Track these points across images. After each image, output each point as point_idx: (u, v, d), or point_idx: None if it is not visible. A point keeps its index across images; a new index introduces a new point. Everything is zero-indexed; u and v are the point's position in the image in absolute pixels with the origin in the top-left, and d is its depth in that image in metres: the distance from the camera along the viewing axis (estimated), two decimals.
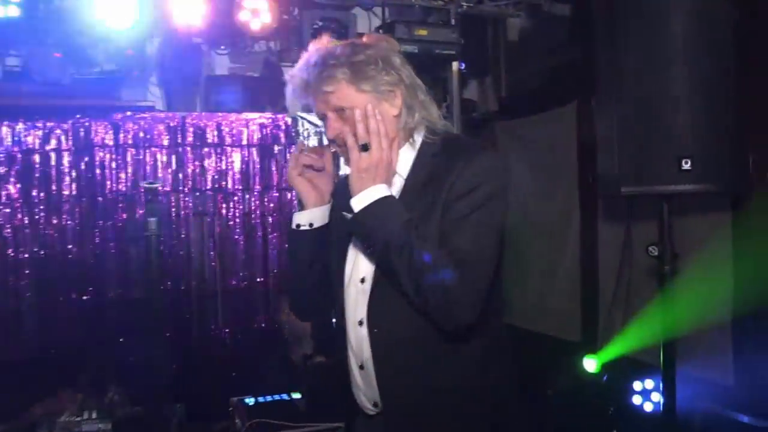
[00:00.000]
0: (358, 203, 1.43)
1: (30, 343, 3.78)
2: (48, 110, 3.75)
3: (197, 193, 4.16)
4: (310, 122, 4.26)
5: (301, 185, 1.62)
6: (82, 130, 3.94)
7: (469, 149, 1.52)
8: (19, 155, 3.81)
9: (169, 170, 4.09)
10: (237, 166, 4.24)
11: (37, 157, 3.85)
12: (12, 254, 3.78)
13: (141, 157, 4.05)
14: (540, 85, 4.01)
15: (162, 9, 3.41)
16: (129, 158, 4.03)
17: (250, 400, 3.15)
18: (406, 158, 1.56)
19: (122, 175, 4.01)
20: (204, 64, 4.23)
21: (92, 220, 3.95)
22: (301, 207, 1.64)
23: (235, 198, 4.24)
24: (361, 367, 1.55)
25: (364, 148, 1.44)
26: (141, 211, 3.98)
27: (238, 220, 4.25)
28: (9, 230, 3.79)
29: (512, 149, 4.09)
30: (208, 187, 4.18)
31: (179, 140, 4.10)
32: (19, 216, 3.80)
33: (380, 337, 1.50)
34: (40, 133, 3.85)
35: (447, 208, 1.43)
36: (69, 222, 3.90)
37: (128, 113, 3.98)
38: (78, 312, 3.87)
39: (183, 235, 4.13)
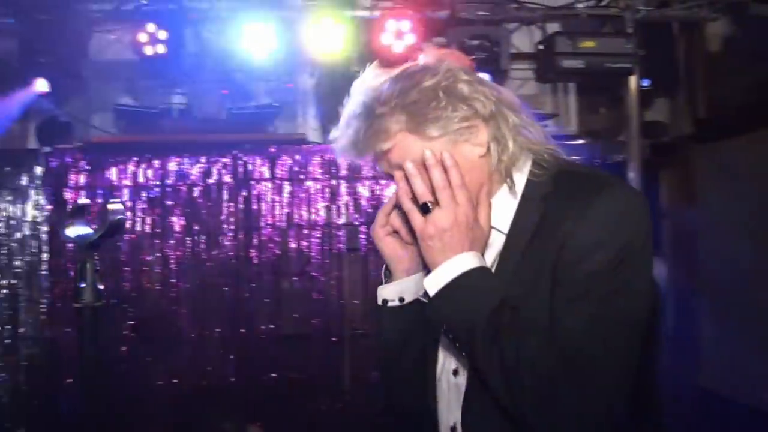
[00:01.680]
0: (431, 284, 1.11)
1: (186, 372, 3.86)
2: (208, 145, 3.87)
3: (351, 228, 4.02)
4: None
5: (389, 247, 1.28)
6: (240, 163, 3.99)
7: (586, 188, 1.13)
8: (183, 189, 3.94)
9: (324, 204, 4.01)
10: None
11: (197, 191, 3.95)
12: (175, 284, 3.89)
13: (296, 189, 4.01)
14: (747, 102, 3.38)
15: (310, 41, 3.36)
16: (285, 191, 4.01)
17: None
18: (505, 207, 1.20)
19: (277, 209, 4.00)
20: None
21: (248, 253, 3.97)
22: (388, 276, 1.30)
23: None
24: None
25: (425, 209, 1.11)
26: (294, 245, 3.93)
27: None
28: (173, 261, 3.91)
29: (712, 179, 3.47)
30: (363, 221, 4.03)
31: (334, 173, 4.01)
32: (182, 248, 3.91)
33: None
34: (201, 167, 3.95)
35: (559, 279, 1.08)
36: (226, 254, 3.95)
37: (283, 146, 3.98)
38: (231, 345, 3.89)
39: (335, 272, 4.01)
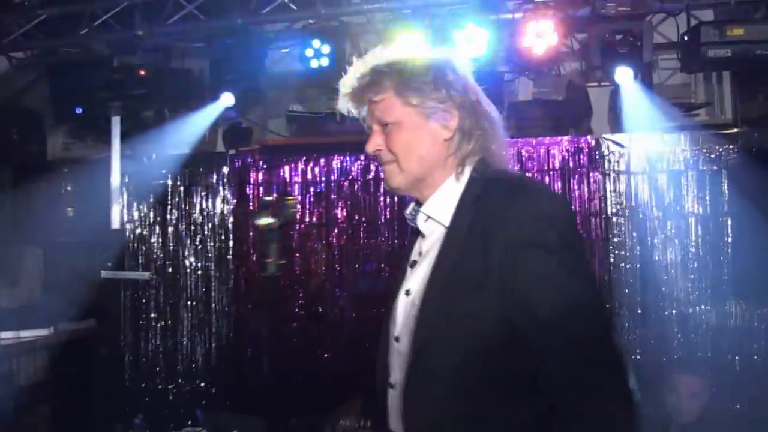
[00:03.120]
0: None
1: (347, 348, 4.31)
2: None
3: None
4: (615, 143, 4.03)
5: None
6: None
7: (514, 193, 1.31)
8: (345, 184, 4.40)
9: None
10: None
11: (358, 186, 4.39)
12: (338, 269, 4.36)
13: None
14: None
15: (457, 46, 3.64)
16: None
17: None
18: (449, 197, 1.39)
19: None
20: (507, 91, 4.34)
21: (404, 241, 4.33)
22: None
23: None
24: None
25: None
26: None
27: None
28: (336, 248, 4.39)
29: None
30: None
31: None
32: (344, 236, 4.38)
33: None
34: (361, 164, 4.39)
35: (510, 278, 1.23)
36: (384, 243, 4.34)
37: None
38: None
39: None
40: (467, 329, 1.27)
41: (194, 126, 4.22)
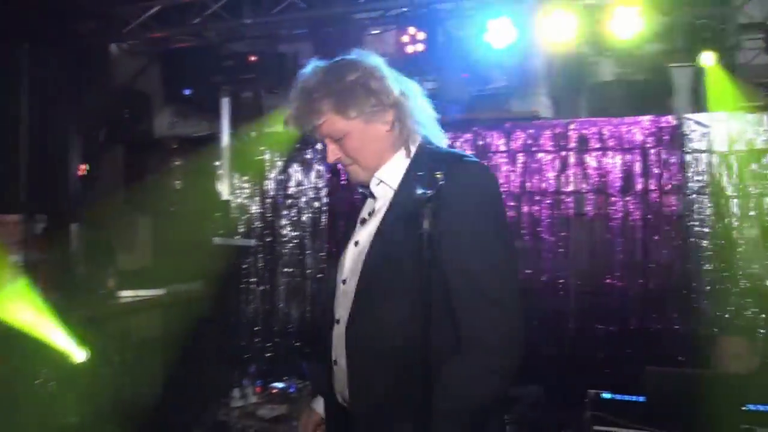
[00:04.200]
0: None
1: None
2: (453, 123, 4.57)
3: (578, 195, 4.47)
4: (697, 122, 4.18)
5: None
6: (479, 138, 4.64)
7: (455, 162, 1.57)
8: None
9: (554, 173, 4.50)
10: (618, 169, 4.41)
11: None
12: None
13: (529, 160, 4.55)
14: None
15: (543, 30, 3.86)
16: (519, 162, 4.57)
17: (606, 395, 3.34)
18: (398, 167, 1.65)
19: (512, 177, 4.58)
20: (590, 71, 4.51)
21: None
22: None
23: (615, 200, 4.42)
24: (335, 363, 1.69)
25: None
26: (526, 210, 4.50)
27: (617, 221, 4.42)
28: None
29: None
30: (589, 189, 4.45)
31: (563, 145, 4.47)
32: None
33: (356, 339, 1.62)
34: (447, 142, 4.66)
35: (441, 235, 1.43)
36: None
37: (517, 122, 4.54)
38: None
39: (563, 234, 4.49)
40: (402, 271, 1.52)
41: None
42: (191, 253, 4.87)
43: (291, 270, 5.23)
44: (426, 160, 1.61)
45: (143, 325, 4.87)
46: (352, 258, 1.68)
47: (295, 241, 5.23)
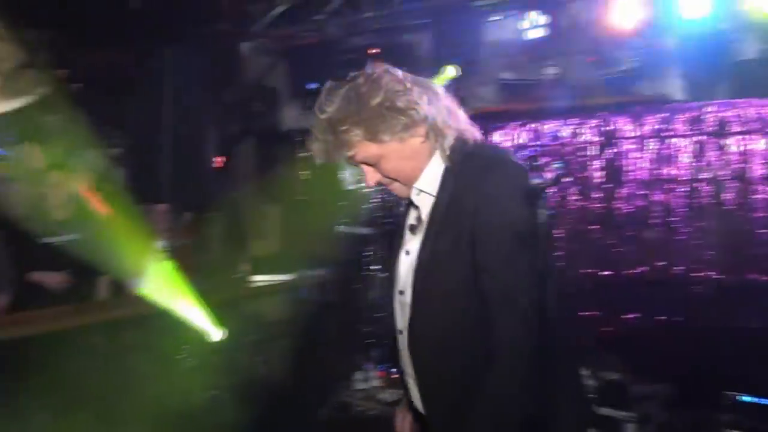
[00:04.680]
0: None
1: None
2: (578, 109, 4.44)
3: (716, 183, 4.22)
4: None
5: None
6: (606, 123, 4.48)
7: (489, 163, 1.55)
8: (555, 148, 4.59)
9: (688, 159, 4.26)
10: (762, 154, 4.10)
11: (569, 150, 4.56)
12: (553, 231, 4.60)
13: (660, 146, 4.33)
14: None
15: (676, 7, 3.65)
16: (649, 148, 4.36)
17: (745, 398, 3.14)
18: (435, 172, 1.61)
19: (641, 164, 4.38)
20: (730, 50, 4.22)
21: (614, 204, 4.45)
22: None
23: (758, 187, 4.12)
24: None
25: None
26: (658, 198, 4.29)
27: (760, 211, 4.12)
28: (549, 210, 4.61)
29: None
30: (729, 176, 4.18)
31: (699, 129, 4.23)
32: (556, 199, 4.59)
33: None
34: (572, 128, 4.55)
35: (477, 240, 1.51)
36: (595, 205, 4.49)
37: (647, 106, 4.33)
38: (598, 284, 4.44)
39: (699, 224, 4.25)
40: (450, 277, 1.55)
41: None
42: (317, 241, 5.09)
43: None
44: (459, 162, 1.58)
45: (273, 308, 5.15)
46: (405, 268, 1.67)
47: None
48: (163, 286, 3.75)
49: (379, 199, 5.42)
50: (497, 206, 1.50)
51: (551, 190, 4.57)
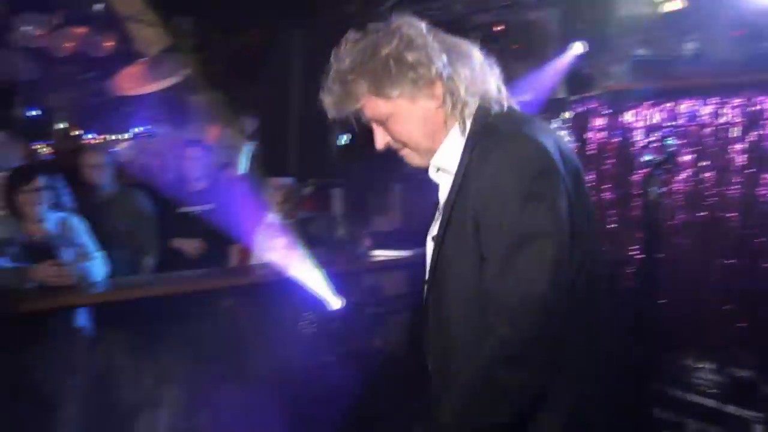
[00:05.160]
0: None
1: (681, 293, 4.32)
2: (720, 87, 4.16)
3: None
4: None
5: None
6: (751, 104, 4.17)
7: (492, 142, 1.36)
8: (693, 128, 4.35)
9: None
10: None
11: (707, 131, 4.29)
12: (679, 215, 4.37)
13: None
14: None
15: None
16: None
17: None
18: (454, 149, 1.46)
19: None
20: None
21: (757, 190, 4.15)
22: None
23: None
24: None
25: None
26: None
27: None
28: (680, 194, 4.38)
29: None
30: None
31: None
32: (690, 183, 4.35)
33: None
34: (712, 108, 4.27)
35: (480, 224, 1.36)
36: (734, 191, 4.21)
37: None
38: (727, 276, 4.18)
39: None
40: (460, 270, 1.41)
41: (543, 75, 4.56)
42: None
43: None
44: (476, 135, 1.42)
45: (392, 282, 5.29)
46: (430, 255, 1.54)
47: None
48: (288, 255, 3.97)
49: None
50: (494, 197, 1.33)
51: (681, 176, 4.39)
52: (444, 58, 1.41)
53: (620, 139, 4.62)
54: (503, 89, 1.49)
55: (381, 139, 1.51)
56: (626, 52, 4.65)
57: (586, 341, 1.40)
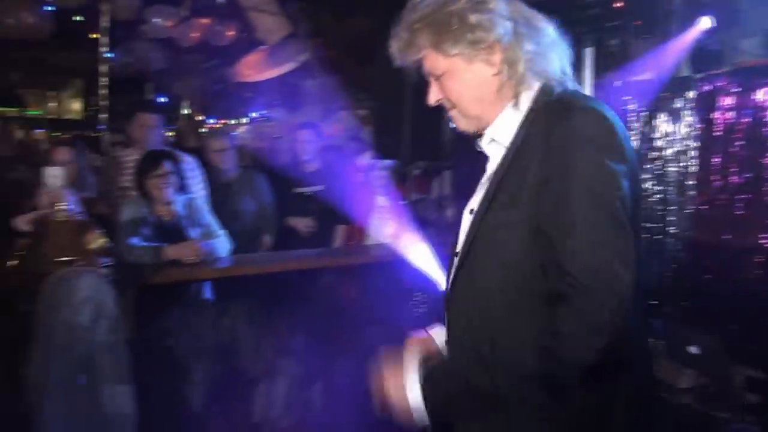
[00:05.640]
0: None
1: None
2: None
3: None
4: None
5: None
6: None
7: (557, 115, 1.34)
8: None
9: None
10: None
11: None
12: None
13: None
14: None
15: None
16: None
17: None
18: (509, 122, 1.44)
19: None
20: None
21: None
22: None
23: None
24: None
25: None
26: None
27: None
28: None
29: None
30: None
31: None
32: None
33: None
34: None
35: (540, 200, 1.31)
36: None
37: None
38: None
39: None
40: (502, 239, 1.38)
41: (666, 52, 4.37)
42: None
43: (651, 226, 5.05)
44: (539, 114, 1.40)
45: None
46: (465, 227, 1.51)
47: (658, 195, 5.01)
48: (399, 236, 4.06)
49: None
50: (571, 167, 1.29)
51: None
52: (509, 26, 1.40)
53: (750, 119, 4.34)
54: (569, 71, 1.48)
55: (434, 94, 1.52)
56: (759, 24, 4.36)
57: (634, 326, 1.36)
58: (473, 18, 1.39)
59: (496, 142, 1.49)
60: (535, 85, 1.44)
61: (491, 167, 1.50)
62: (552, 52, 1.45)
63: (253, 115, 10.78)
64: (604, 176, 1.28)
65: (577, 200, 1.27)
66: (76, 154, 3.92)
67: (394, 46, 1.48)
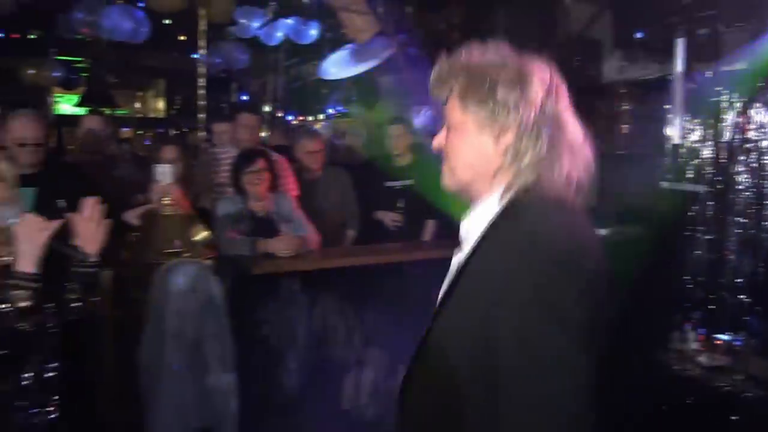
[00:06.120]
0: None
1: None
2: None
3: None
4: None
5: None
6: None
7: (521, 230, 1.26)
8: None
9: None
10: None
11: None
12: None
13: None
14: None
15: None
16: None
17: None
18: (485, 217, 1.36)
19: None
20: None
21: None
22: None
23: None
24: None
25: None
26: None
27: None
28: None
29: None
30: None
31: None
32: None
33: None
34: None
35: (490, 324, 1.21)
36: None
37: None
38: None
39: None
40: (448, 350, 1.34)
41: (761, 41, 4.22)
42: (636, 196, 4.98)
43: (744, 221, 4.89)
44: (506, 218, 1.32)
45: None
46: (450, 276, 1.45)
47: (752, 189, 4.85)
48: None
49: (710, 153, 5.07)
50: (507, 303, 1.20)
51: None
52: (532, 116, 1.31)
53: None
54: (571, 180, 1.34)
55: (438, 140, 1.47)
56: None
57: None
58: (501, 92, 1.32)
59: (467, 236, 1.41)
60: (524, 183, 1.33)
61: (459, 256, 1.44)
62: (564, 164, 1.33)
63: (330, 111, 11.03)
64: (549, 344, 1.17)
65: (511, 348, 1.19)
66: (182, 153, 4.16)
67: (433, 75, 1.44)
